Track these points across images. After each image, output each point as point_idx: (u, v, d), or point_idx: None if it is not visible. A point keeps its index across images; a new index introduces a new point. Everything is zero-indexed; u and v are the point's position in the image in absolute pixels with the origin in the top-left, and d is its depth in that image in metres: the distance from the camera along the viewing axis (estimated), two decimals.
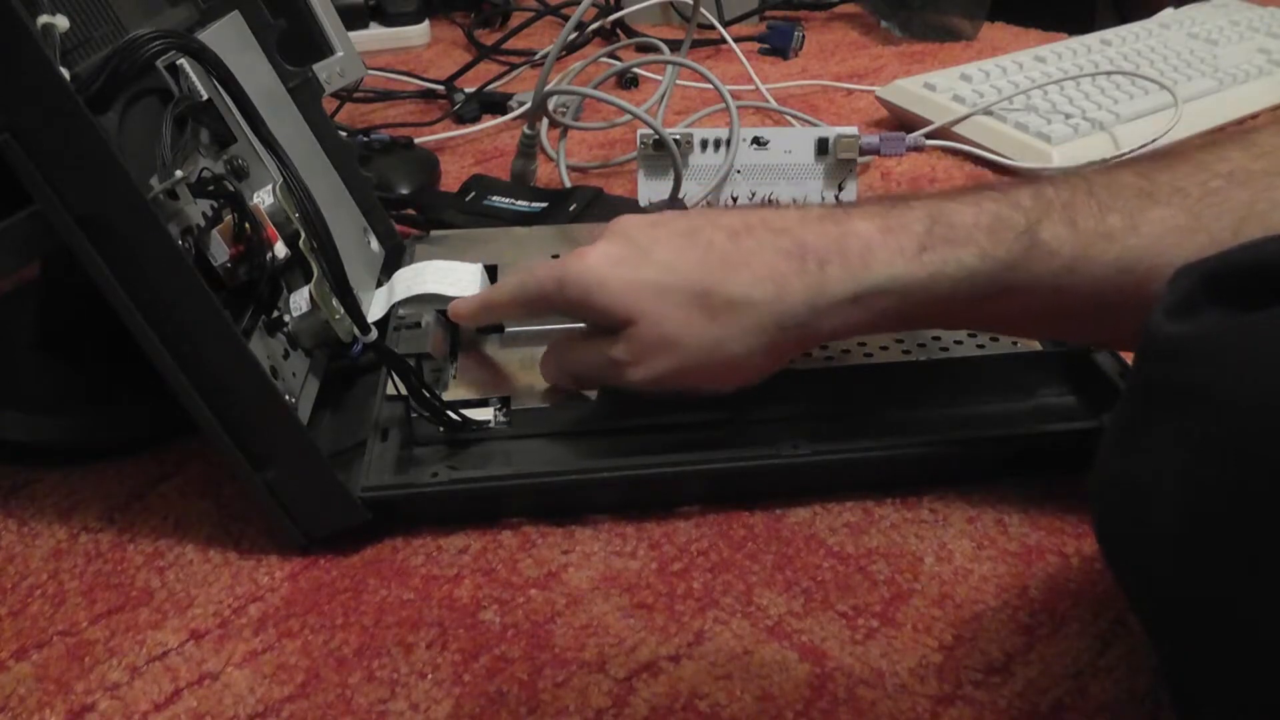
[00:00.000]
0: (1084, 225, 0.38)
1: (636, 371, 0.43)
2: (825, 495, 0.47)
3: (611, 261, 0.43)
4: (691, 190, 0.71)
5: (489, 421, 0.48)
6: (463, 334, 0.54)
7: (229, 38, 0.54)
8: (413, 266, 0.55)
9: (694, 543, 0.45)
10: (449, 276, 0.53)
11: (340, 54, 0.69)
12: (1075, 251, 0.38)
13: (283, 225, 0.46)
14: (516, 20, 1.13)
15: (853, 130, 0.71)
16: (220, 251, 0.44)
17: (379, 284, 0.57)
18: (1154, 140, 0.77)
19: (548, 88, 0.71)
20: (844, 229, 0.40)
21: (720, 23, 1.03)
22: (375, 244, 0.62)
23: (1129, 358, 0.48)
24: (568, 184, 0.77)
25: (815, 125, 0.84)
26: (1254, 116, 0.88)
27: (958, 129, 0.83)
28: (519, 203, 0.71)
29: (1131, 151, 0.77)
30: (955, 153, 0.83)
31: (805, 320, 0.40)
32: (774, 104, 0.91)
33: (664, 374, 0.43)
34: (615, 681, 0.39)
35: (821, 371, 0.49)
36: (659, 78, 0.94)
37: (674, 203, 0.70)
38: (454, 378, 0.51)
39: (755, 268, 0.40)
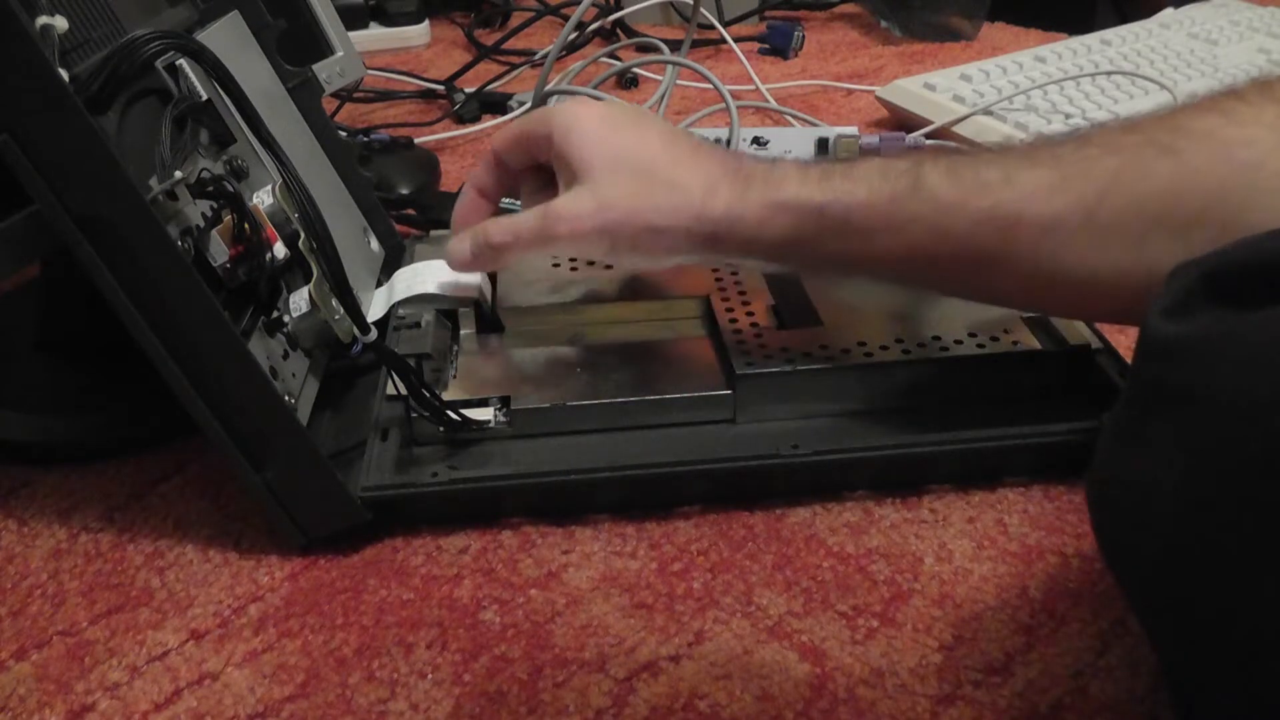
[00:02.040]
0: (963, 175, 0.42)
1: (565, 225, 0.46)
2: (825, 495, 0.47)
3: (598, 117, 0.48)
4: None
5: (489, 421, 0.48)
6: (463, 334, 0.54)
7: (228, 38, 0.54)
8: (412, 266, 0.55)
9: (694, 543, 0.45)
10: (449, 276, 0.53)
11: (340, 54, 0.69)
12: (953, 196, 0.42)
13: (282, 225, 0.46)
14: (516, 20, 1.13)
15: (853, 130, 0.71)
16: (220, 252, 0.44)
17: (379, 284, 0.57)
18: None
19: (548, 88, 0.71)
20: (775, 164, 0.47)
21: (720, 23, 1.03)
22: (375, 244, 0.62)
23: (1129, 357, 0.48)
24: None
25: (815, 125, 0.84)
26: None
27: (958, 129, 0.83)
28: (519, 203, 0.71)
29: None
30: None
31: (721, 217, 0.45)
32: (774, 104, 0.91)
33: (590, 229, 0.46)
34: (615, 681, 0.39)
35: (822, 371, 0.49)
36: (659, 78, 0.94)
37: None
38: (454, 378, 0.51)
39: (698, 165, 0.46)
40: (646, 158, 0.46)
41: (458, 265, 0.51)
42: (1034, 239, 0.41)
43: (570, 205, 0.46)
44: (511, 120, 0.89)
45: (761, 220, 0.45)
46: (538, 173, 0.50)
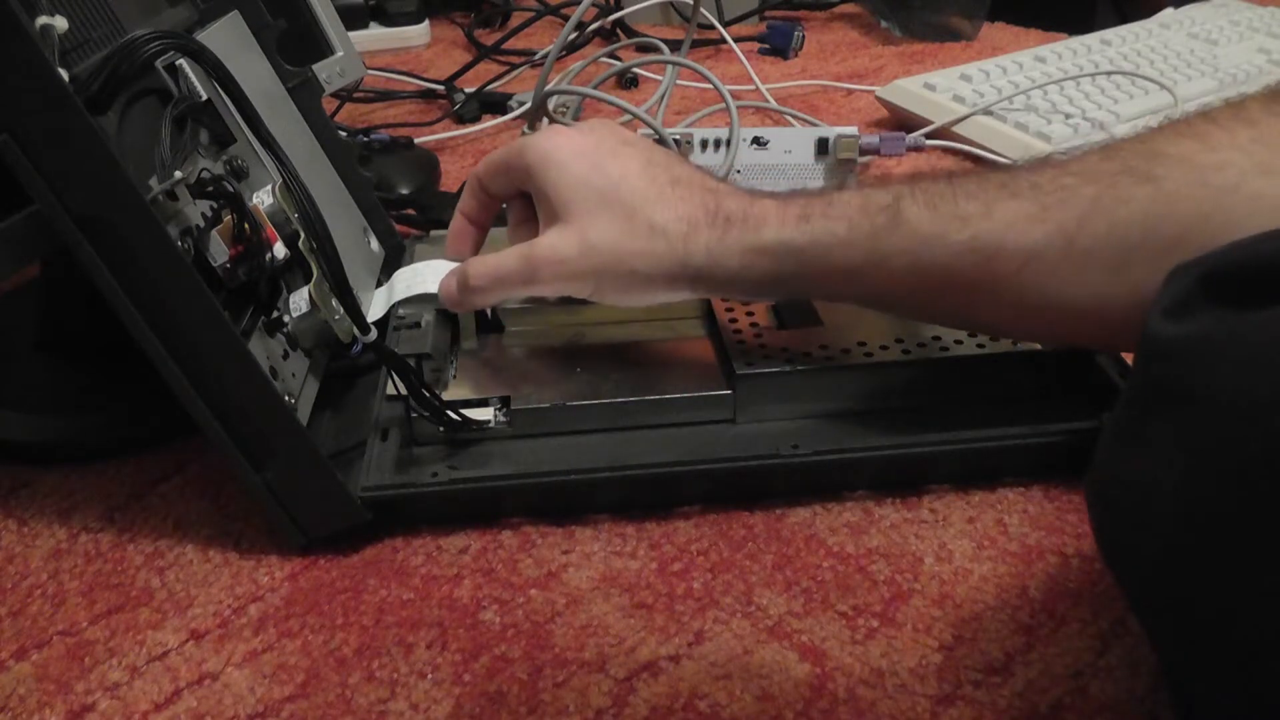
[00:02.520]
0: (942, 208, 0.42)
1: (549, 269, 0.46)
2: (825, 495, 0.47)
3: (575, 151, 0.47)
4: None
5: (489, 421, 0.48)
6: (463, 334, 0.54)
7: (228, 38, 0.54)
8: (412, 266, 0.55)
9: (694, 543, 0.45)
10: None
11: (340, 54, 0.69)
12: (933, 229, 0.42)
13: (282, 225, 0.46)
14: (516, 20, 1.13)
15: (853, 130, 0.71)
16: (220, 252, 0.44)
17: (379, 284, 0.57)
18: None
19: (548, 88, 0.71)
20: (753, 201, 0.46)
21: (720, 23, 1.03)
22: (375, 244, 0.62)
23: (1129, 358, 0.48)
24: None
25: (815, 125, 0.84)
26: None
27: (958, 129, 0.83)
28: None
29: None
30: (955, 153, 0.83)
31: (703, 264, 0.45)
32: (774, 104, 0.91)
33: (575, 273, 0.46)
34: (615, 681, 0.39)
35: (822, 371, 0.49)
36: (659, 78, 0.94)
37: None
38: (454, 378, 0.51)
39: (679, 208, 0.46)
40: (626, 194, 0.46)
41: (450, 306, 0.51)
42: (1015, 269, 0.41)
43: (553, 248, 0.46)
44: (509, 118, 0.89)
45: (743, 265, 0.45)
46: (522, 200, 0.50)
